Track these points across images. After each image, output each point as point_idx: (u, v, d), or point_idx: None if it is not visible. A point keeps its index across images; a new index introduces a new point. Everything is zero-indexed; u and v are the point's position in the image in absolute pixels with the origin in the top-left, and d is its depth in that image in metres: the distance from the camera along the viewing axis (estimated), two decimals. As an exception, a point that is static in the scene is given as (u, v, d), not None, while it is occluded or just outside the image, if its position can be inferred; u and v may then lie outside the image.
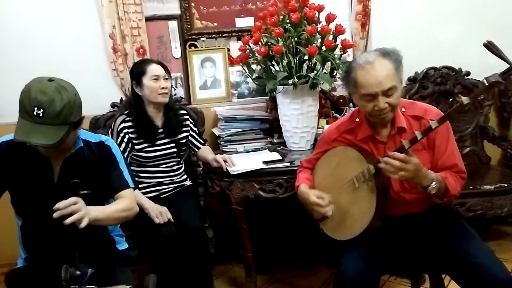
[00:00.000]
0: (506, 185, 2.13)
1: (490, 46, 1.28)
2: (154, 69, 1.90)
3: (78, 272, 1.08)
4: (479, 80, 2.54)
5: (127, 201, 1.37)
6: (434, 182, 1.35)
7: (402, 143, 1.32)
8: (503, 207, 2.10)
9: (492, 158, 2.58)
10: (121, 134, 1.89)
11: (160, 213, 1.75)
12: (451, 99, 2.56)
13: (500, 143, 2.52)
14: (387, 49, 1.40)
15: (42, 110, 1.17)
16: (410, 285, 1.90)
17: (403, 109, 1.46)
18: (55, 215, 1.11)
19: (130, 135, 1.90)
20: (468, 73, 2.56)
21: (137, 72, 1.92)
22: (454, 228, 1.46)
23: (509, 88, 2.53)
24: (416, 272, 1.73)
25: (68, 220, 1.11)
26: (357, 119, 1.52)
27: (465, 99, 1.26)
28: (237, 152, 2.17)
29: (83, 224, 1.13)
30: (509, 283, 1.26)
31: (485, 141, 2.57)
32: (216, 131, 2.32)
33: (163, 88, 1.90)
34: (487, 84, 1.26)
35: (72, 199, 1.14)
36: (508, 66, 1.23)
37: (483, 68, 2.53)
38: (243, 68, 2.15)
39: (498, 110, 2.61)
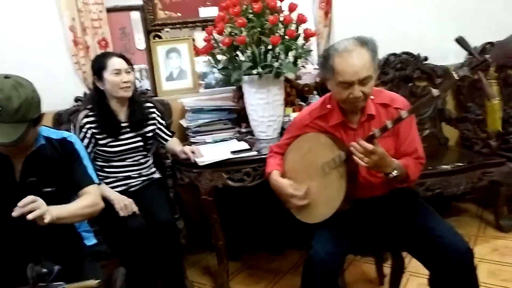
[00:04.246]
0: (462, 164, 2.26)
1: (460, 41, 1.34)
2: (115, 62, 1.87)
3: (44, 270, 1.09)
4: (436, 65, 2.65)
5: (91, 197, 1.37)
6: (396, 171, 1.42)
7: (373, 132, 1.37)
8: (459, 185, 2.22)
9: (450, 139, 2.71)
10: (84, 130, 1.87)
11: (125, 206, 1.75)
12: (410, 84, 2.66)
13: (457, 125, 2.64)
14: (365, 38, 1.43)
15: (-1, 108, 1.15)
16: (374, 263, 2.00)
17: (372, 97, 1.50)
18: (14, 213, 1.11)
19: (93, 130, 1.88)
20: (426, 58, 2.66)
21: (98, 66, 1.89)
22: (415, 207, 1.54)
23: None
24: (379, 251, 1.82)
25: (30, 216, 1.11)
26: (328, 106, 1.56)
27: (435, 92, 1.32)
28: (205, 142, 2.18)
29: (46, 220, 1.13)
30: (469, 253, 1.34)
31: (443, 123, 2.69)
32: (184, 123, 2.32)
33: (125, 82, 1.87)
34: (457, 78, 1.30)
35: (30, 198, 1.14)
36: (476, 60, 1.29)
37: (441, 53, 2.66)
38: (209, 59, 2.15)
39: (455, 93, 2.73)
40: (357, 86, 1.40)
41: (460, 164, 2.26)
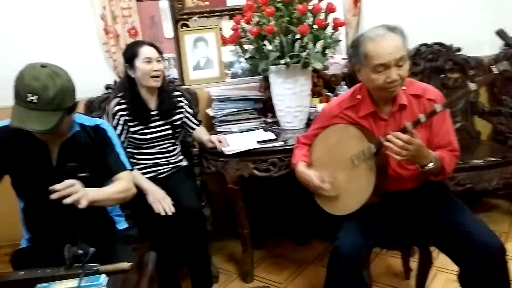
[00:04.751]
0: (494, 159, 2.19)
1: (501, 34, 1.30)
2: (146, 51, 1.90)
3: (80, 251, 1.14)
4: (469, 56, 2.56)
5: (124, 183, 1.41)
6: (432, 163, 1.39)
7: (405, 125, 1.35)
8: (491, 180, 2.16)
9: (482, 132, 2.63)
10: (116, 117, 1.91)
11: (158, 201, 1.78)
12: (442, 75, 2.58)
13: (490, 118, 2.56)
14: (392, 25, 1.42)
15: (36, 96, 1.19)
16: (401, 257, 1.98)
17: (404, 87, 1.48)
18: (53, 196, 1.14)
19: (125, 118, 1.92)
20: (459, 49, 2.57)
21: (130, 54, 1.92)
22: (445, 202, 1.51)
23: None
24: (406, 244, 1.80)
25: (67, 200, 1.14)
26: (358, 96, 1.54)
27: (472, 86, 1.28)
28: (231, 132, 2.19)
29: (82, 204, 1.17)
30: (500, 249, 1.31)
31: (475, 116, 2.61)
32: (210, 112, 2.34)
33: (155, 70, 1.90)
34: (497, 72, 1.27)
35: (68, 181, 1.17)
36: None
37: (473, 44, 2.57)
38: (236, 48, 2.15)
39: (489, 85, 2.63)
40: (393, 69, 1.38)
41: (492, 159, 2.19)
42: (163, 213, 1.76)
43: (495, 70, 1.26)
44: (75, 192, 1.17)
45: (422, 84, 1.56)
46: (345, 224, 1.48)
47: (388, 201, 1.50)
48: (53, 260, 1.17)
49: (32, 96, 1.19)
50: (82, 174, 1.21)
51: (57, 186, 1.15)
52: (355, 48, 1.45)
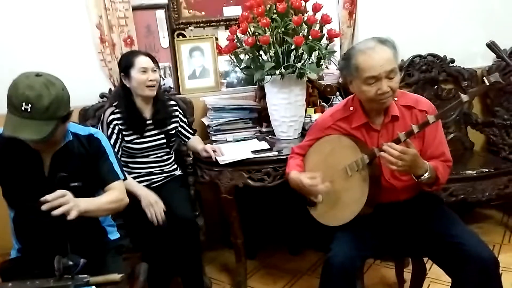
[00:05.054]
0: (487, 170, 2.20)
1: (492, 47, 1.32)
2: (142, 61, 1.91)
3: (70, 262, 1.12)
4: (463, 68, 2.59)
5: (116, 193, 1.40)
6: (427, 173, 1.39)
7: (398, 136, 1.36)
8: (484, 191, 2.17)
9: (475, 143, 2.65)
10: (111, 126, 1.91)
11: (151, 205, 1.77)
12: (436, 86, 2.61)
13: (483, 129, 2.58)
14: (384, 37, 1.44)
15: (30, 105, 1.19)
16: (394, 268, 1.98)
17: (395, 99, 1.49)
18: (44, 207, 1.14)
19: (120, 127, 1.92)
20: (453, 61, 2.60)
21: (125, 64, 1.93)
22: (439, 213, 1.51)
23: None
24: (400, 255, 1.80)
25: (56, 212, 1.14)
26: (351, 108, 1.55)
27: (464, 97, 1.30)
28: (226, 141, 2.20)
29: (72, 216, 1.16)
30: (493, 261, 1.31)
31: (468, 127, 2.63)
32: (205, 121, 2.35)
33: (151, 80, 1.91)
34: (487, 84, 1.28)
35: (59, 192, 1.17)
36: (506, 65, 1.27)
37: (467, 55, 2.61)
38: (231, 58, 2.17)
39: (482, 96, 2.67)
40: (384, 81, 1.39)
41: (485, 170, 2.20)
42: (155, 223, 1.75)
43: (486, 81, 1.27)
44: (65, 202, 1.16)
45: (414, 95, 1.57)
46: (339, 234, 1.48)
47: (382, 212, 1.50)
48: (43, 271, 1.16)
49: (27, 105, 1.18)
50: (74, 184, 1.21)
51: (48, 197, 1.14)
52: (347, 60, 1.47)
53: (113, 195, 1.39)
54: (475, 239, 1.37)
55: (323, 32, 2.02)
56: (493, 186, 2.18)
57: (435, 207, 1.54)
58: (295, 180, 1.59)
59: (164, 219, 1.77)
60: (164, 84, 2.43)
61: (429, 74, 2.60)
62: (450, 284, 1.41)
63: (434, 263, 1.48)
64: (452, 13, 2.61)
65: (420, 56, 2.60)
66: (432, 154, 1.49)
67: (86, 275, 1.14)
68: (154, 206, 1.78)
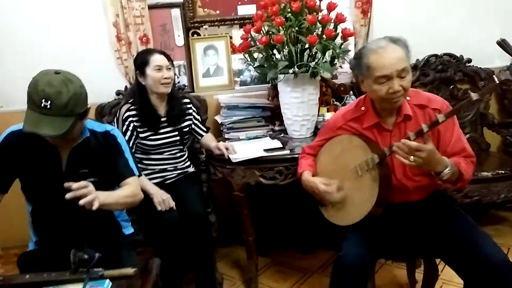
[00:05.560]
0: (503, 171, 2.17)
1: (503, 44, 1.29)
2: (157, 59, 1.94)
3: (86, 256, 1.15)
4: (480, 68, 2.55)
5: (132, 188, 1.43)
6: (448, 168, 1.36)
7: (409, 135, 1.35)
8: (499, 193, 2.14)
9: (491, 144, 2.61)
10: (126, 123, 1.94)
11: (163, 200, 1.81)
12: (451, 86, 2.58)
13: (499, 130, 2.53)
14: (395, 37, 1.43)
15: (49, 102, 1.22)
16: (406, 268, 1.97)
17: (408, 98, 1.48)
18: (68, 196, 1.17)
19: (135, 124, 1.95)
20: (469, 60, 2.56)
21: (141, 62, 1.96)
22: (452, 214, 1.50)
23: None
24: (412, 256, 1.79)
25: (82, 201, 1.17)
26: (362, 108, 1.55)
27: (474, 95, 1.28)
28: (239, 139, 2.21)
29: (95, 206, 1.19)
30: (507, 265, 1.29)
31: (484, 128, 2.59)
32: (218, 119, 2.37)
33: (165, 78, 1.93)
34: (497, 82, 1.26)
35: (83, 183, 1.20)
36: None
37: (483, 55, 2.56)
38: (245, 57, 2.18)
39: (499, 97, 2.62)
40: (396, 80, 1.38)
41: (501, 171, 2.17)
42: (164, 209, 1.78)
43: (496, 79, 1.25)
44: (88, 193, 1.19)
45: (427, 94, 1.56)
46: (350, 234, 1.48)
47: (394, 213, 1.49)
48: (59, 263, 1.19)
49: (46, 102, 1.22)
50: (91, 179, 1.24)
51: (73, 185, 1.18)
52: (358, 59, 1.46)
53: (129, 190, 1.42)
54: (488, 241, 1.35)
55: (337, 31, 2.02)
56: (509, 187, 2.15)
57: (448, 208, 1.53)
58: (309, 183, 1.59)
59: (174, 208, 1.81)
60: (179, 82, 2.46)
61: (445, 73, 2.56)
62: (462, 286, 1.40)
63: (447, 265, 1.46)
64: (469, 12, 2.56)
65: (436, 55, 2.56)
66: (452, 151, 1.46)
67: (100, 269, 1.17)
68: (165, 202, 1.81)
